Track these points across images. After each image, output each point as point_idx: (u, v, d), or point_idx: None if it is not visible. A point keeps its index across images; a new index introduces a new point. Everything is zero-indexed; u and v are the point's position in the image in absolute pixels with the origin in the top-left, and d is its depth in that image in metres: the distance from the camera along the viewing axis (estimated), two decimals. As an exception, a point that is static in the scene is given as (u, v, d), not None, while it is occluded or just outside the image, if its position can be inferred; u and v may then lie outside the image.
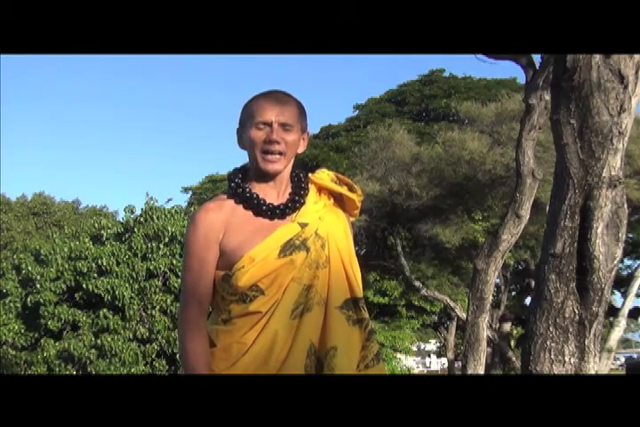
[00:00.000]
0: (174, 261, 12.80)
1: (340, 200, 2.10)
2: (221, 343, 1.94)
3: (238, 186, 2.02)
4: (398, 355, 19.52)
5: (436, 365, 51.12)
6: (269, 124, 1.97)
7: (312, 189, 2.07)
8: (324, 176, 2.10)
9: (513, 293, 22.69)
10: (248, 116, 2.01)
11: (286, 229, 1.97)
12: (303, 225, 1.98)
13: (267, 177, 2.01)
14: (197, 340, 1.96)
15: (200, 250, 1.96)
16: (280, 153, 1.97)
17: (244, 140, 2.03)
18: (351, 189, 2.10)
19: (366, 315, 2.01)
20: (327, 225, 2.01)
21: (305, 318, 1.92)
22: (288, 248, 1.94)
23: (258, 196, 1.99)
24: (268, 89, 2.07)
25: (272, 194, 2.01)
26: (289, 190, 2.04)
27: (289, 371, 1.89)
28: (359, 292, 2.01)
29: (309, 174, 2.11)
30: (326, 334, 1.94)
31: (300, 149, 2.06)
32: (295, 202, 2.01)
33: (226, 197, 2.03)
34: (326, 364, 1.92)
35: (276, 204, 1.99)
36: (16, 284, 13.48)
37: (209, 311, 2.03)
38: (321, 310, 1.94)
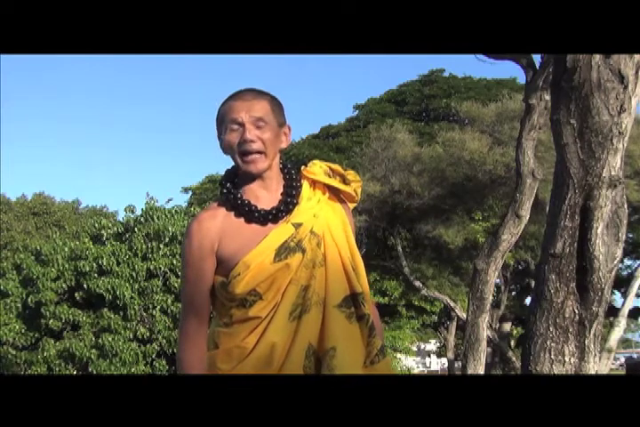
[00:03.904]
0: (174, 261, 12.78)
1: (336, 191, 2.06)
2: (223, 346, 1.93)
3: (229, 192, 1.98)
4: (398, 355, 19.50)
5: (436, 365, 51.09)
6: (241, 125, 1.94)
7: (305, 184, 2.03)
8: (316, 170, 2.04)
9: (513, 293, 22.68)
10: (221, 121, 1.98)
11: (280, 232, 1.93)
12: (297, 225, 1.94)
13: (255, 178, 1.98)
14: (192, 351, 1.95)
15: (195, 261, 1.94)
16: (259, 152, 1.94)
17: (223, 145, 1.99)
18: (345, 181, 2.05)
19: (367, 310, 1.97)
20: (323, 221, 1.97)
21: (303, 320, 1.91)
22: (283, 251, 1.91)
23: (249, 202, 1.96)
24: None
25: (263, 196, 1.97)
26: (280, 189, 2.00)
27: (288, 372, 1.88)
28: (359, 287, 1.97)
29: (302, 167, 2.06)
30: (325, 333, 1.91)
31: (284, 144, 2.01)
32: (287, 204, 1.97)
33: (217, 204, 2.00)
34: (325, 364, 1.90)
35: (268, 208, 1.95)
36: (17, 284, 13.48)
37: (210, 318, 2.01)
38: (319, 310, 1.92)
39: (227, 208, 1.98)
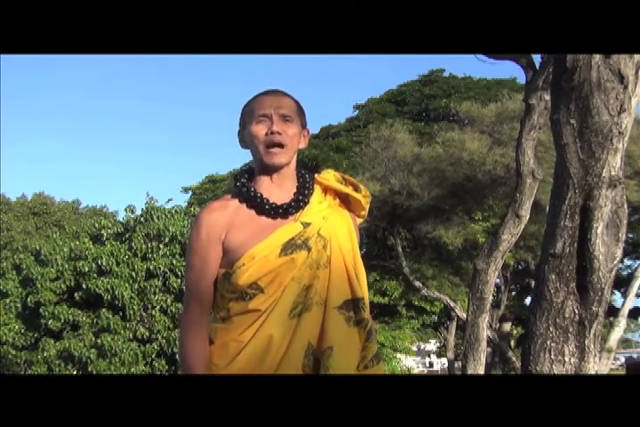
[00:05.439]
0: (174, 262, 12.80)
1: (346, 201, 2.10)
2: (219, 341, 1.95)
3: (243, 185, 2.03)
4: (398, 355, 19.50)
5: (436, 365, 51.12)
6: (269, 117, 2.00)
7: (317, 189, 2.07)
8: (329, 177, 2.10)
9: (513, 293, 22.69)
10: (248, 114, 2.04)
11: (288, 229, 1.97)
12: (306, 225, 1.98)
13: (271, 174, 2.02)
14: (196, 340, 1.96)
15: (202, 249, 1.98)
16: (282, 145, 1.99)
17: (245, 137, 2.04)
18: (357, 190, 2.10)
19: (366, 315, 2.00)
20: (330, 225, 2.01)
21: (303, 318, 1.92)
22: (289, 247, 1.94)
23: (262, 195, 2.00)
24: (268, 88, 2.09)
25: (276, 193, 2.02)
26: (293, 189, 2.04)
27: (286, 370, 1.89)
28: (360, 292, 1.99)
29: (315, 175, 2.11)
30: (324, 334, 1.93)
31: (302, 145, 2.08)
32: (299, 201, 2.01)
33: (230, 196, 2.04)
34: (322, 363, 1.92)
35: (279, 203, 2.00)
36: (16, 284, 13.48)
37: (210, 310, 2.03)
38: (320, 311, 1.94)
39: (239, 200, 2.02)
